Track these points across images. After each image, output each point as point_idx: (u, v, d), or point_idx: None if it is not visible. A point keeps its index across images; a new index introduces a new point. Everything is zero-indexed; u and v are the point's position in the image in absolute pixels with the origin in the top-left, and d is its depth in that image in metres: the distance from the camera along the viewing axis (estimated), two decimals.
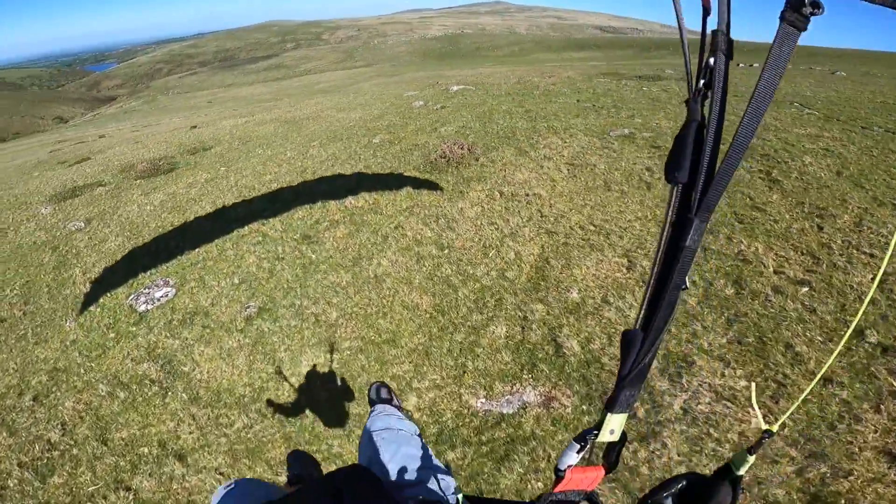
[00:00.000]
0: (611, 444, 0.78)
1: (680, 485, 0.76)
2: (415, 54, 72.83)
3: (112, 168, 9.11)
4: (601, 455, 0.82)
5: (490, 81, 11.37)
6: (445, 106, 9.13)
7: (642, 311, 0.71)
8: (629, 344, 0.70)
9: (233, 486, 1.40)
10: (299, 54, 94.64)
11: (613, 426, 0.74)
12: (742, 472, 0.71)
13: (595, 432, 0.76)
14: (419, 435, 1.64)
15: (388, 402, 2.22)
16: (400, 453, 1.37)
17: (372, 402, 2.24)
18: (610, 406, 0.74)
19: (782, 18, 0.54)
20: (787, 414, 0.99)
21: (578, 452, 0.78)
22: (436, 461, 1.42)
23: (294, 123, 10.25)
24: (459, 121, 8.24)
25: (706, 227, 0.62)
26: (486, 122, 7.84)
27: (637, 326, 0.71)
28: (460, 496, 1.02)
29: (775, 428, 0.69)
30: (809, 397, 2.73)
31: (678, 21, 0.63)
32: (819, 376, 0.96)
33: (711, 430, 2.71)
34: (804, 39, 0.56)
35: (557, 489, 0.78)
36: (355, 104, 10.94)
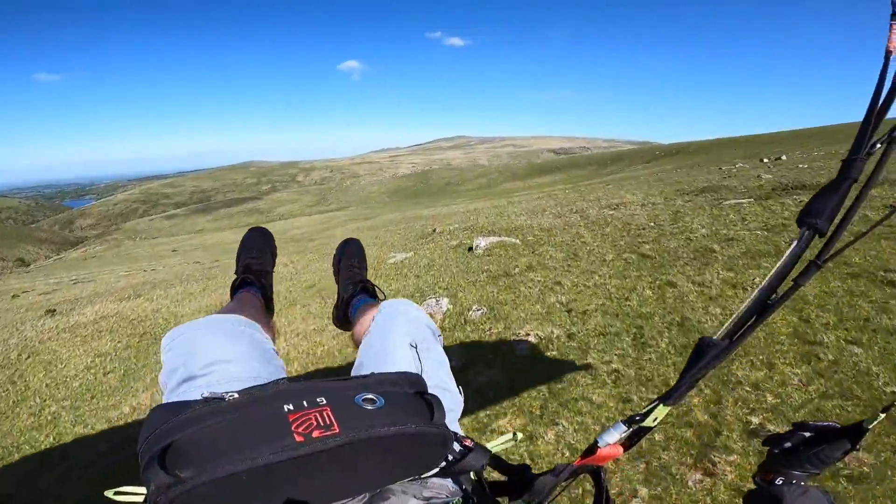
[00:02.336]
0: (640, 430, 0.81)
1: (807, 433, 0.79)
2: (387, 194, 76.11)
3: None
4: (626, 436, 0.83)
5: (517, 225, 8.55)
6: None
7: (730, 325, 0.73)
8: (705, 350, 0.74)
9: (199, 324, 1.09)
10: (274, 197, 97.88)
11: (658, 416, 0.78)
12: (871, 426, 0.72)
13: (640, 418, 0.79)
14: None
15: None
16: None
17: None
18: (665, 399, 0.77)
19: None
20: None
21: (622, 433, 0.80)
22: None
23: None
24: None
25: (817, 272, 0.67)
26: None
27: (718, 337, 0.74)
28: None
29: None
30: None
31: (882, 74, 0.62)
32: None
33: None
34: None
35: (583, 461, 0.81)
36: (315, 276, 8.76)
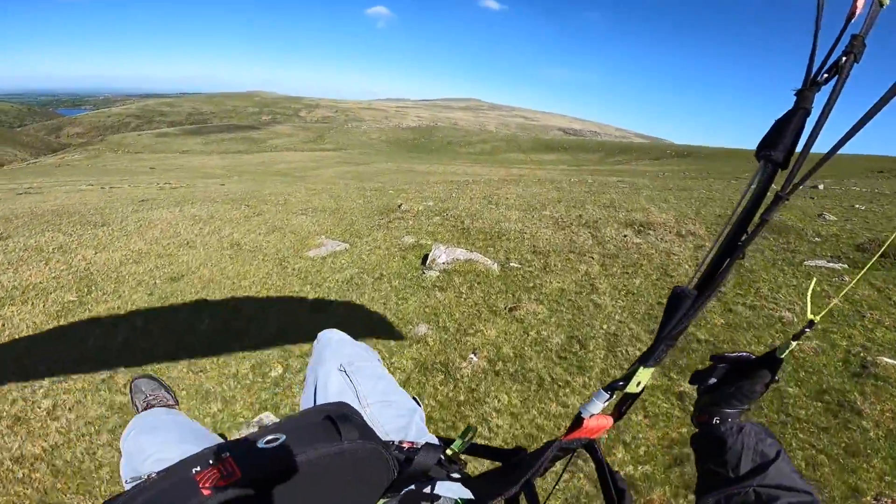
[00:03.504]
0: (626, 396, 0.79)
1: (725, 365, 0.80)
2: (387, 142, 73.91)
3: None
4: (613, 406, 0.81)
5: (503, 229, 7.06)
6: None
7: (700, 274, 0.71)
8: (678, 302, 0.71)
9: (148, 416, 1.39)
10: (271, 129, 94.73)
11: (642, 379, 0.75)
12: (783, 355, 0.73)
13: (622, 384, 0.76)
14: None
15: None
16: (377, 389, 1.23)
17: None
18: (644, 360, 0.74)
19: None
20: (830, 306, 1.13)
21: (605, 402, 0.78)
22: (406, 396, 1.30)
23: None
24: None
25: (784, 204, 0.65)
26: None
27: (692, 286, 0.71)
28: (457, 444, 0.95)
29: (818, 318, 0.71)
30: None
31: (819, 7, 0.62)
32: (860, 276, 1.10)
33: None
34: None
35: (571, 436, 0.80)
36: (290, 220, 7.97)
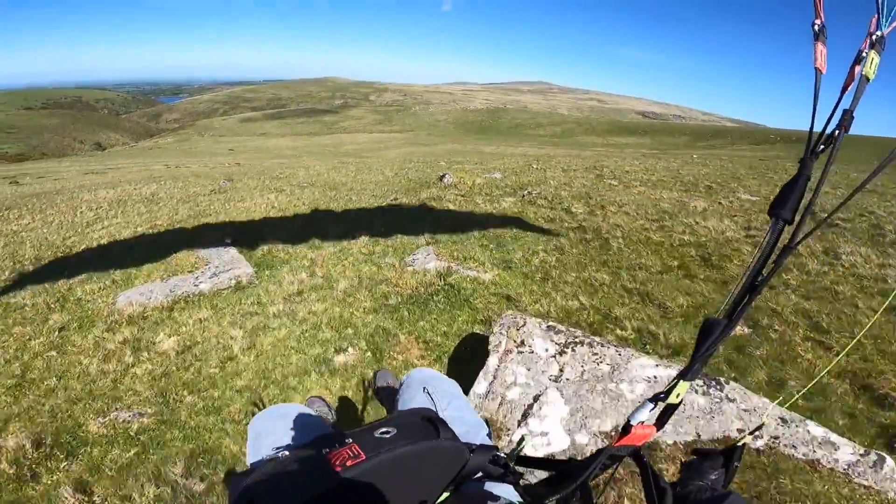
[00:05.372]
0: (668, 408, 0.87)
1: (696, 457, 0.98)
2: (454, 124, 72.36)
3: None
4: (655, 417, 0.89)
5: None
6: None
7: (727, 305, 0.82)
8: (709, 329, 0.81)
9: (273, 410, 1.46)
10: (342, 112, 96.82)
11: (681, 392, 0.84)
12: (740, 443, 0.95)
13: (663, 395, 0.85)
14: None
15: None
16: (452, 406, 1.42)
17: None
18: (683, 375, 0.83)
19: None
20: (793, 400, 1.50)
21: (651, 411, 0.86)
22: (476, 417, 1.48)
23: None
24: None
25: (791, 253, 0.76)
26: None
27: (719, 315, 0.82)
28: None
29: (766, 421, 1.19)
30: None
31: (815, 90, 0.73)
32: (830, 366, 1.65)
33: None
34: None
35: (621, 442, 0.86)
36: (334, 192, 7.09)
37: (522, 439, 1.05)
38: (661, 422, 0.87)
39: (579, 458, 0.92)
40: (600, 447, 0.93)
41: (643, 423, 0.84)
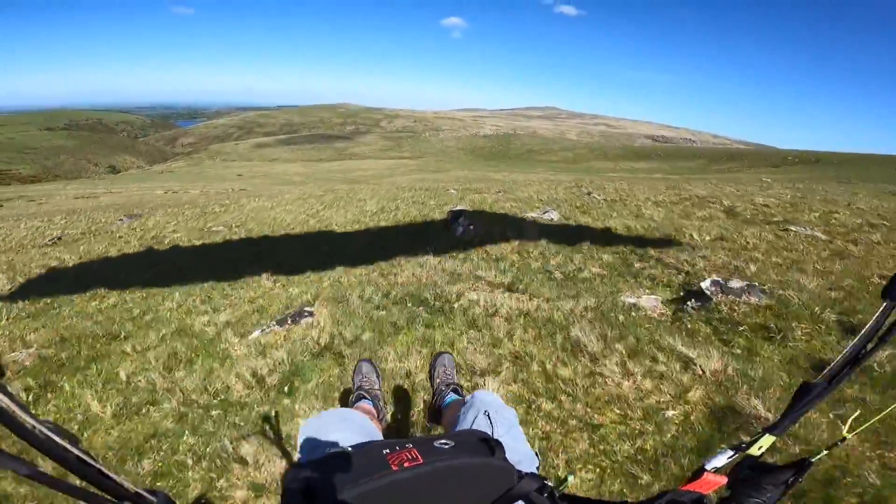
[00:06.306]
0: (746, 458, 0.84)
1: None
2: (464, 150, 72.37)
3: None
4: (731, 466, 0.86)
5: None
6: None
7: (829, 371, 0.80)
8: (806, 391, 0.80)
9: (327, 415, 1.54)
10: (353, 138, 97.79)
11: (764, 445, 0.82)
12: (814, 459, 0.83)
13: (744, 445, 0.83)
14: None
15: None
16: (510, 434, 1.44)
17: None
18: (771, 429, 0.82)
19: None
20: (865, 426, 1.06)
21: (728, 459, 0.83)
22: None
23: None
24: None
25: None
26: None
27: (820, 379, 0.81)
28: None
29: (849, 436, 0.84)
30: None
31: None
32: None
33: None
34: None
35: (688, 487, 0.83)
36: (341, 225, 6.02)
37: (566, 478, 1.18)
38: (734, 474, 0.84)
39: (629, 501, 0.97)
40: (664, 489, 0.86)
41: (717, 469, 0.81)
